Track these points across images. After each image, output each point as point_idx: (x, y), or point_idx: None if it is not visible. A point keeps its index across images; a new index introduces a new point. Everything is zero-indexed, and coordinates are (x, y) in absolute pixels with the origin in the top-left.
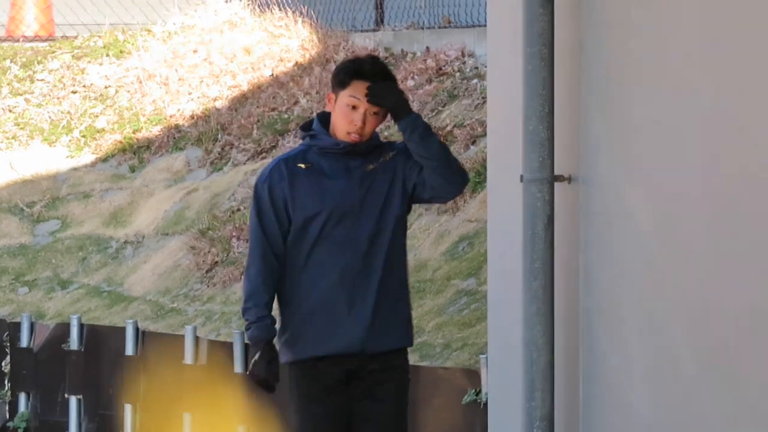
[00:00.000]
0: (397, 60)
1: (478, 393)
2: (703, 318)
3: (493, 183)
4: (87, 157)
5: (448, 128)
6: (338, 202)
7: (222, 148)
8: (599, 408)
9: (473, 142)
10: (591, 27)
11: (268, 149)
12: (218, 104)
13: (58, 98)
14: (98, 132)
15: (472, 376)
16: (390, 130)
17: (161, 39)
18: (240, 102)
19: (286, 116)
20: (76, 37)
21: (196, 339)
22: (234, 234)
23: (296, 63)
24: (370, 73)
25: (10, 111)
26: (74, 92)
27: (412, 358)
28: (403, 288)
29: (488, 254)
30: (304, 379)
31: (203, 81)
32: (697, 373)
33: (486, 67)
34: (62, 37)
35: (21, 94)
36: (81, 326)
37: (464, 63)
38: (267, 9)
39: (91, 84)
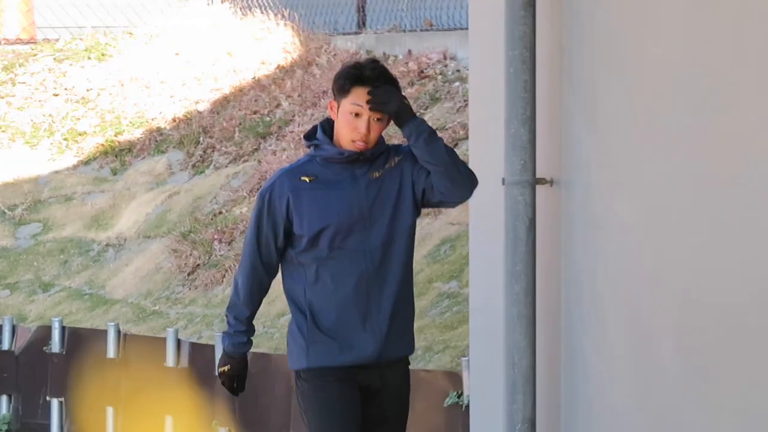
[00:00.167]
0: None
1: (459, 395)
2: (687, 320)
3: None
4: (69, 160)
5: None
6: (345, 214)
7: (204, 151)
8: (581, 410)
9: (455, 145)
10: (572, 30)
11: (250, 152)
12: (200, 107)
13: (39, 101)
14: (80, 135)
15: (454, 378)
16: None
17: (143, 42)
18: (222, 105)
19: (267, 119)
20: (57, 40)
21: (178, 342)
22: (216, 237)
23: (278, 66)
24: (371, 79)
25: None
26: (56, 95)
27: None
28: (411, 295)
29: (470, 257)
30: (317, 385)
31: (185, 84)
32: (681, 376)
33: (468, 70)
34: (44, 39)
35: (2, 97)
36: (62, 329)
37: (446, 66)
38: (249, 12)
39: (73, 87)
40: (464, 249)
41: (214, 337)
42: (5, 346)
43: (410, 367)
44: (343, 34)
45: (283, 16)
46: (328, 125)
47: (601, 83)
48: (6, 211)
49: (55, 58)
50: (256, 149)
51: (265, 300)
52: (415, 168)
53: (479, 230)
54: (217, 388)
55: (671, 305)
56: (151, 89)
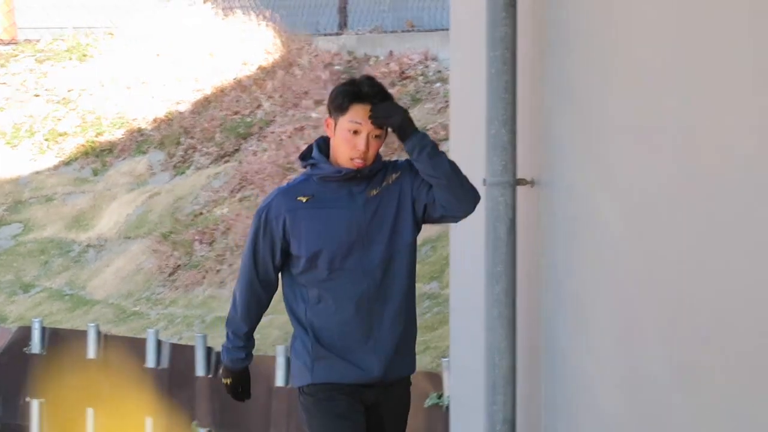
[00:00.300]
0: (360, 64)
1: (440, 396)
2: (670, 319)
3: None
4: (50, 160)
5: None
6: (344, 234)
7: (185, 152)
8: (562, 411)
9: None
10: (554, 31)
11: (231, 153)
12: (181, 108)
13: (20, 102)
14: (61, 135)
15: (435, 379)
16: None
17: (124, 42)
18: (203, 105)
19: (249, 120)
20: (38, 41)
21: (158, 342)
22: (197, 237)
23: (259, 67)
24: (369, 95)
25: None
26: (37, 96)
27: None
28: (414, 312)
29: (451, 258)
30: (322, 398)
31: (166, 84)
32: (665, 375)
33: (449, 70)
34: (25, 40)
35: None
36: (43, 329)
37: (427, 67)
38: (230, 13)
39: (54, 87)
40: (445, 250)
41: (195, 337)
42: None
43: None
44: (325, 35)
45: (264, 17)
46: (324, 143)
47: (582, 84)
48: None
49: (36, 59)
50: (237, 150)
51: None
52: (415, 184)
53: (460, 231)
54: (197, 388)
55: (654, 305)
56: (132, 90)
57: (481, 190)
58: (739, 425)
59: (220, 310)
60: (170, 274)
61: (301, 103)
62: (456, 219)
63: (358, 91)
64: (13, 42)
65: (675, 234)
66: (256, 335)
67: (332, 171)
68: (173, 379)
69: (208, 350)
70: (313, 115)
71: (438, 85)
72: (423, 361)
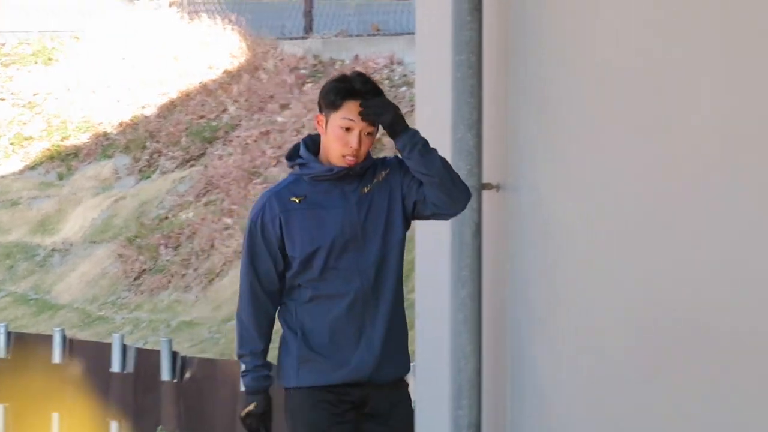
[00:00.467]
0: (326, 67)
1: None
2: (636, 323)
3: None
4: (15, 164)
5: (377, 136)
6: (338, 233)
7: (150, 156)
8: (527, 415)
9: None
10: (519, 35)
11: (197, 157)
12: (147, 112)
13: None
14: (26, 139)
15: None
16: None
17: (90, 46)
18: (168, 109)
19: (214, 124)
20: (4, 44)
21: (124, 347)
22: (162, 242)
23: (225, 71)
24: (361, 92)
25: None
26: (2, 99)
27: None
28: (404, 312)
29: (416, 262)
30: (309, 406)
31: (131, 88)
32: (630, 380)
33: (414, 74)
34: None
35: None
36: (8, 334)
37: (393, 71)
38: (196, 17)
39: (20, 91)
40: (410, 254)
41: (160, 342)
42: None
43: None
44: (290, 38)
45: (230, 20)
46: (311, 142)
47: (548, 87)
48: None
49: (1, 63)
50: (202, 154)
51: (211, 305)
52: (405, 180)
53: (425, 235)
54: (162, 393)
55: (620, 309)
56: (98, 94)
57: None
58: (704, 429)
59: (185, 315)
60: (135, 279)
61: (266, 107)
62: (447, 216)
63: (351, 88)
64: None
65: (639, 237)
66: (221, 339)
67: (323, 170)
68: (138, 383)
69: (174, 354)
70: (279, 119)
71: (404, 89)
72: None
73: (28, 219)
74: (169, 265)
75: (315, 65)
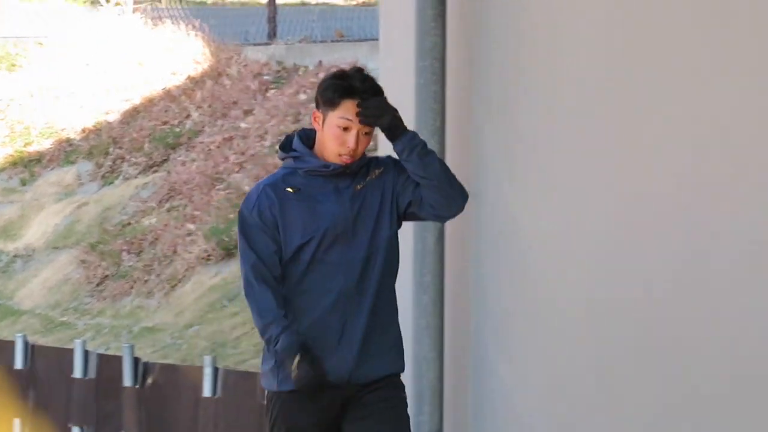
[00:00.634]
0: (290, 73)
1: None
2: (595, 329)
3: None
4: None
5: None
6: (330, 226)
7: (113, 162)
8: (488, 421)
9: None
10: (483, 42)
11: (160, 163)
12: (110, 118)
13: None
14: None
15: None
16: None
17: (53, 52)
18: (132, 115)
19: (177, 130)
20: None
21: (86, 353)
22: (124, 248)
23: (189, 77)
24: (360, 91)
25: None
26: None
27: None
28: (393, 312)
29: None
30: (288, 410)
31: (95, 94)
32: (590, 386)
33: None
34: None
35: None
36: None
37: None
38: (160, 22)
39: None
40: None
41: (122, 348)
42: None
43: None
44: (254, 44)
45: (193, 26)
46: (305, 136)
47: (511, 94)
48: None
49: None
50: (165, 160)
51: (173, 311)
52: (399, 180)
53: None
54: (124, 398)
55: (579, 316)
56: (61, 100)
57: None
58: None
59: (147, 320)
60: (98, 284)
61: (230, 113)
62: (444, 219)
63: (350, 86)
64: None
65: (599, 244)
66: (183, 345)
67: (319, 165)
68: (100, 389)
69: (135, 360)
70: (242, 125)
71: None
72: None
73: None
74: (132, 271)
75: (278, 71)
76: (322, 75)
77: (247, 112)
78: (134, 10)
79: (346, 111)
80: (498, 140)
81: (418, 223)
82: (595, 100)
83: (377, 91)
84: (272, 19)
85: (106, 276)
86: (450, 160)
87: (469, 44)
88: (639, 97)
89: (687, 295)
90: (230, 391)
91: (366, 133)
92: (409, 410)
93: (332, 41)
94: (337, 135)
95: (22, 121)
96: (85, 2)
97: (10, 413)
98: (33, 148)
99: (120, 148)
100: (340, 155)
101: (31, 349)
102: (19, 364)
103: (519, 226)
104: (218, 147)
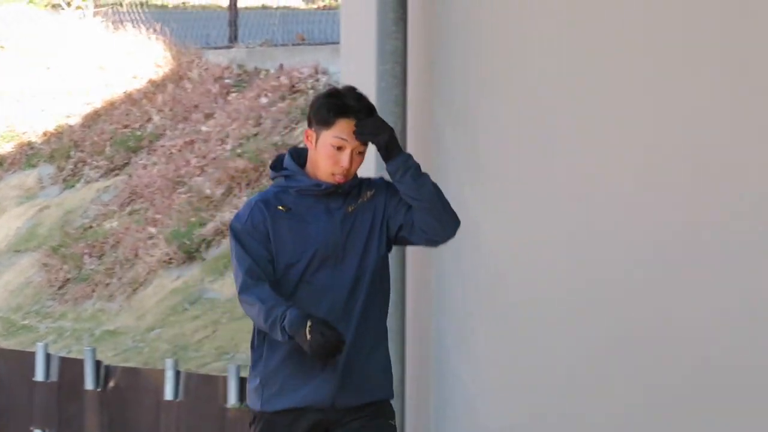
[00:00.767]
0: (251, 77)
1: None
2: (558, 335)
3: None
4: None
5: (302, 146)
6: (320, 247)
7: (75, 165)
8: (450, 422)
9: None
10: (444, 45)
11: (121, 166)
12: (71, 121)
13: None
14: None
15: None
16: None
17: (14, 55)
18: (93, 119)
19: (139, 133)
20: None
21: (48, 356)
22: (86, 251)
23: (150, 80)
24: (355, 110)
25: None
26: None
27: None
28: (380, 336)
29: None
30: (271, 431)
31: (56, 98)
32: (551, 393)
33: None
34: None
35: None
36: None
37: (318, 80)
38: (121, 26)
39: None
40: None
41: (84, 351)
42: None
43: None
44: (215, 48)
45: (154, 30)
46: (296, 154)
47: (472, 98)
48: None
49: None
50: (126, 163)
51: (134, 314)
52: (391, 203)
53: None
54: (86, 402)
55: (543, 320)
56: (22, 103)
57: None
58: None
59: (109, 324)
60: (60, 288)
61: (191, 116)
62: (435, 244)
63: (345, 105)
64: None
65: (558, 248)
66: (145, 348)
67: (311, 184)
68: (62, 392)
69: (97, 364)
70: (203, 128)
71: None
72: None
73: None
74: (93, 275)
75: (239, 75)
76: (283, 79)
77: (209, 116)
78: (95, 14)
79: (341, 130)
80: (459, 144)
81: None
82: (555, 104)
83: (371, 109)
84: (233, 23)
85: (68, 279)
86: None
87: (430, 48)
88: (599, 100)
89: (647, 298)
90: (192, 394)
91: (359, 153)
92: None
93: (293, 45)
94: (330, 154)
95: None
96: (46, 5)
97: None
98: None
99: (81, 151)
100: (333, 174)
101: None
102: None
103: (481, 229)
104: (179, 150)
